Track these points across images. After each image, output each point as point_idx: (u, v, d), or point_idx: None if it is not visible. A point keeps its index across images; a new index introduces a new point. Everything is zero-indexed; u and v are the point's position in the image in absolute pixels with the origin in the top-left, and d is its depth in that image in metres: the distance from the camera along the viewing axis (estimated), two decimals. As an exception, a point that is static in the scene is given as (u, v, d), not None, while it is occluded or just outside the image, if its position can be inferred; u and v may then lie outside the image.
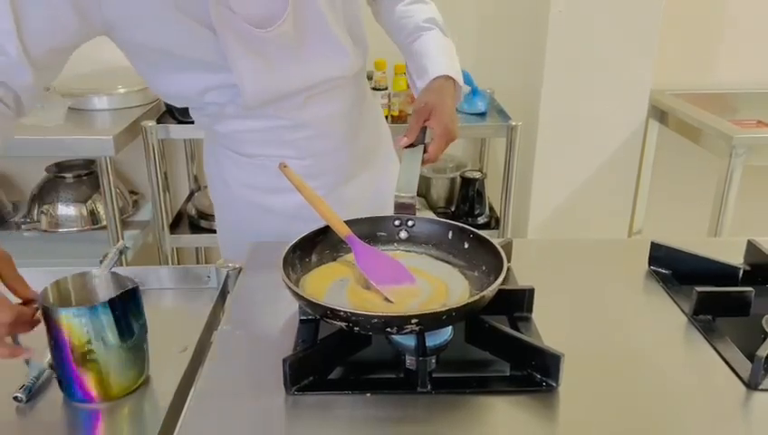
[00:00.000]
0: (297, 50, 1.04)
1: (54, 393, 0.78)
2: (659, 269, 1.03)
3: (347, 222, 0.90)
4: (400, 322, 0.73)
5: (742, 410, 0.75)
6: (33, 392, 0.77)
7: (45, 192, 2.21)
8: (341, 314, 0.72)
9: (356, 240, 0.88)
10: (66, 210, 2.19)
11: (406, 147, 1.02)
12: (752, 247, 1.02)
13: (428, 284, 0.86)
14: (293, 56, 1.04)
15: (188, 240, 2.23)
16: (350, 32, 1.09)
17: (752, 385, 0.77)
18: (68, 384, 0.76)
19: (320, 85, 1.09)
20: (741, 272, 0.98)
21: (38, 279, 1.02)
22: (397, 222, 0.96)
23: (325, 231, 0.91)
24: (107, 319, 0.74)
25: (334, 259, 0.92)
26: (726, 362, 0.81)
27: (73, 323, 0.73)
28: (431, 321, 0.74)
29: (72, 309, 0.74)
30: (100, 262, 0.98)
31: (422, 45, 1.14)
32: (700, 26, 2.45)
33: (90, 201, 2.21)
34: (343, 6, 1.06)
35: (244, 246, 1.09)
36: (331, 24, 1.05)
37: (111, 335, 0.75)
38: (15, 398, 0.75)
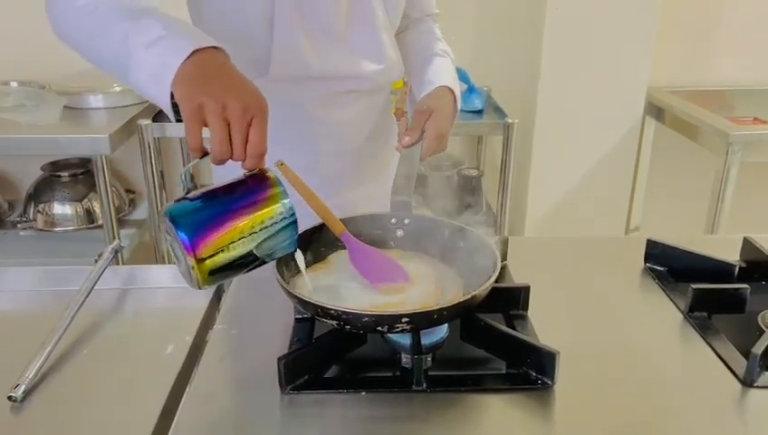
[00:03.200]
0: (341, 34, 1.07)
1: (49, 393, 0.77)
2: (655, 266, 1.03)
3: (343, 220, 0.90)
4: (391, 320, 0.72)
5: (737, 407, 0.75)
6: (27, 392, 0.76)
7: (41, 191, 2.21)
8: (332, 312, 0.72)
9: (351, 238, 0.88)
10: (62, 209, 2.18)
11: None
12: (748, 244, 1.02)
13: (423, 282, 0.86)
14: (336, 39, 1.07)
15: (185, 239, 2.22)
16: (391, 43, 1.14)
17: (747, 382, 0.77)
18: (194, 220, 0.69)
19: (350, 81, 1.11)
20: (737, 269, 0.98)
21: (35, 279, 1.02)
22: (393, 220, 0.96)
23: (320, 229, 0.91)
24: (283, 233, 0.72)
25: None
26: (722, 359, 0.81)
27: (274, 203, 0.71)
28: (422, 320, 0.74)
29: (288, 198, 0.71)
30: (95, 261, 0.98)
31: (435, 65, 1.19)
32: (697, 24, 2.45)
33: (85, 200, 2.20)
34: (392, 17, 1.12)
35: None
36: (379, 23, 1.09)
37: (263, 243, 0.71)
38: (10, 397, 0.75)
